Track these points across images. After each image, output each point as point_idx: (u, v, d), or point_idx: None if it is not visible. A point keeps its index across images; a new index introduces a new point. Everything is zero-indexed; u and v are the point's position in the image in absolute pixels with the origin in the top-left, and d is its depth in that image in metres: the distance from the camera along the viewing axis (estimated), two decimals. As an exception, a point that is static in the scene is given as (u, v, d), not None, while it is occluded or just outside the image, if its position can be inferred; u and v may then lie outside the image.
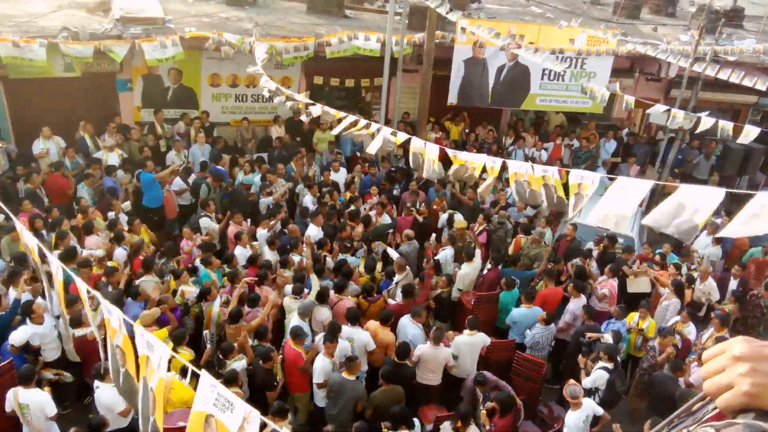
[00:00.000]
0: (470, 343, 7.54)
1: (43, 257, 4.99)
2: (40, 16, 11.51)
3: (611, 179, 5.39)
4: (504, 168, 6.51)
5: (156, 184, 10.32)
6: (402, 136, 7.59)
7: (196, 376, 3.17)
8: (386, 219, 10.39)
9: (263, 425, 2.92)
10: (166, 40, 10.88)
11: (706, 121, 9.94)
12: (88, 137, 11.26)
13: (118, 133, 11.55)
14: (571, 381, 6.82)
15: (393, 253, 9.21)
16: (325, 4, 13.92)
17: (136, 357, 3.93)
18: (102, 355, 4.96)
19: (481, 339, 7.63)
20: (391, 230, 10.29)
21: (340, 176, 11.69)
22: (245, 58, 11.94)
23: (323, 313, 7.62)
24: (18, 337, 6.84)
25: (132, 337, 3.97)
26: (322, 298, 7.67)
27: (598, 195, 6.01)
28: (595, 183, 5.67)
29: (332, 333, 6.86)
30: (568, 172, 5.88)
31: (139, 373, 3.88)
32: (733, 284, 9.64)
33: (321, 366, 6.80)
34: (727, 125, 9.84)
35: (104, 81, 12.01)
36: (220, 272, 8.61)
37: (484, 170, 6.69)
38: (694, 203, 4.69)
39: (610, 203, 5.15)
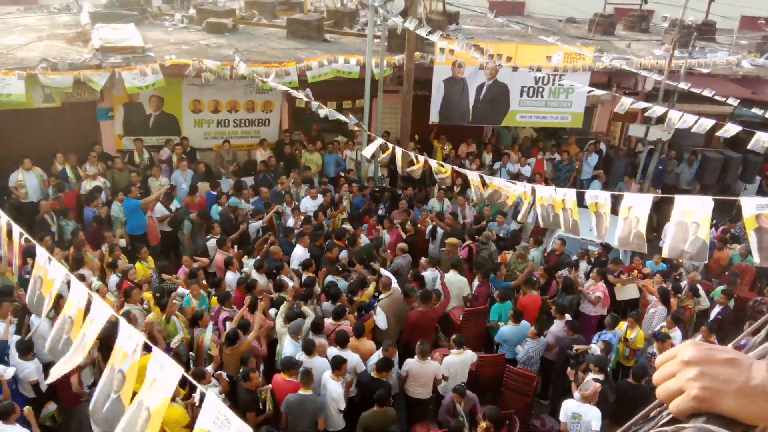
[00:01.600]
0: (459, 361, 7.50)
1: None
2: (18, 47, 11.51)
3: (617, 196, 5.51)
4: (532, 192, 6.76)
5: (140, 211, 10.24)
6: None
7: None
8: (365, 239, 10.38)
9: None
10: (146, 68, 10.89)
11: (688, 119, 10.08)
12: (69, 168, 11.18)
13: (100, 162, 11.48)
14: (590, 379, 6.75)
15: (383, 271, 9.18)
16: (305, 29, 14.04)
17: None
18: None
19: (470, 356, 7.60)
20: (377, 247, 10.28)
21: (317, 202, 11.48)
22: (226, 84, 12.03)
23: (320, 343, 7.38)
24: (32, 373, 6.74)
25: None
26: (317, 328, 7.45)
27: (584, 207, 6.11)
28: (608, 201, 5.84)
29: (336, 363, 6.73)
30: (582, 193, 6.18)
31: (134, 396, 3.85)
32: (716, 309, 9.29)
33: (340, 393, 6.64)
34: (707, 122, 9.90)
35: (85, 110, 11.98)
36: (205, 299, 8.50)
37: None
38: (692, 218, 4.76)
39: (627, 224, 5.29)
